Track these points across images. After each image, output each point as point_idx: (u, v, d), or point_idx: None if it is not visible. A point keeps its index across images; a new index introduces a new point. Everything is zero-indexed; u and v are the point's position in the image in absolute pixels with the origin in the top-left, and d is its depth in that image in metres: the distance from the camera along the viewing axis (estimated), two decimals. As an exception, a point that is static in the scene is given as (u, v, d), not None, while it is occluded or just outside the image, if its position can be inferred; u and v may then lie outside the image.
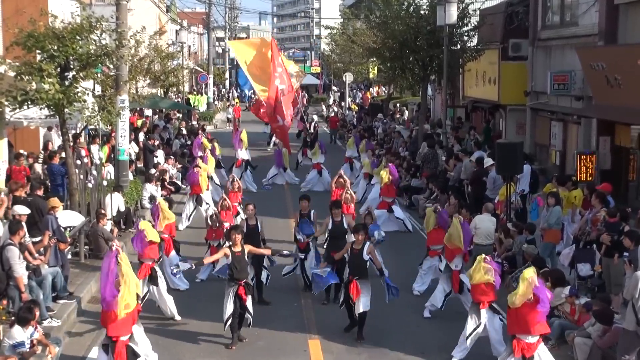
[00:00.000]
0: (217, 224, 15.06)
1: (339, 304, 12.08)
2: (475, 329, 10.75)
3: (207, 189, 19.95)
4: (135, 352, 9.87)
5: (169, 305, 12.64)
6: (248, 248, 11.84)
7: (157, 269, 12.71)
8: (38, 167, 19.97)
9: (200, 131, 30.96)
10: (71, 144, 18.53)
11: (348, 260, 11.99)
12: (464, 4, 27.69)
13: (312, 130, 32.48)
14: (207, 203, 19.32)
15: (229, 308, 11.31)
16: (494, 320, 10.83)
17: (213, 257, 12.56)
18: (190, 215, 19.33)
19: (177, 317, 12.68)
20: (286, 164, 26.36)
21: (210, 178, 21.29)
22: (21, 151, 20.61)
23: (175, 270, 13.05)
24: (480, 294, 10.61)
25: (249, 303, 11.48)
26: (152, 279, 12.42)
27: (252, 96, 36.12)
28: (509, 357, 9.57)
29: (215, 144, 26.11)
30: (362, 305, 11.47)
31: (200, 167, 19.87)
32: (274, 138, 32.55)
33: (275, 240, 15.87)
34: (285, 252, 13.20)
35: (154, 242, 12.57)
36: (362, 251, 11.73)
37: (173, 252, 14.46)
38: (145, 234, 12.46)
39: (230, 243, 11.62)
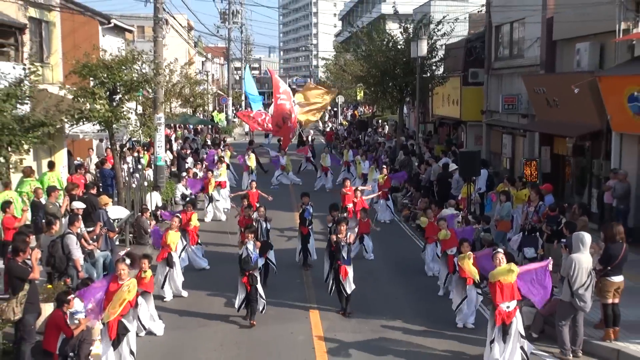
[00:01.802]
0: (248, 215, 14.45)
1: (329, 291, 11.64)
2: (462, 301, 10.81)
3: (214, 190, 19.82)
4: (126, 327, 9.04)
5: (179, 284, 12.54)
6: (258, 244, 11.40)
7: (173, 254, 12.53)
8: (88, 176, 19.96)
9: (221, 142, 30.96)
10: (118, 152, 18.53)
11: (334, 248, 11.53)
12: (432, 40, 27.67)
13: (310, 142, 32.48)
14: (217, 200, 19.58)
15: (241, 294, 11.02)
16: (471, 292, 10.81)
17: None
18: (206, 207, 19.51)
19: (184, 294, 12.53)
20: (289, 168, 26.17)
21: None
22: (78, 159, 20.62)
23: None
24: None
25: (260, 290, 11.12)
26: (169, 262, 12.34)
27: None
28: (492, 326, 9.21)
29: (228, 152, 26.46)
30: (348, 286, 11.27)
31: (211, 173, 19.95)
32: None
33: (283, 228, 15.93)
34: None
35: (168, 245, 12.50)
36: (346, 240, 11.47)
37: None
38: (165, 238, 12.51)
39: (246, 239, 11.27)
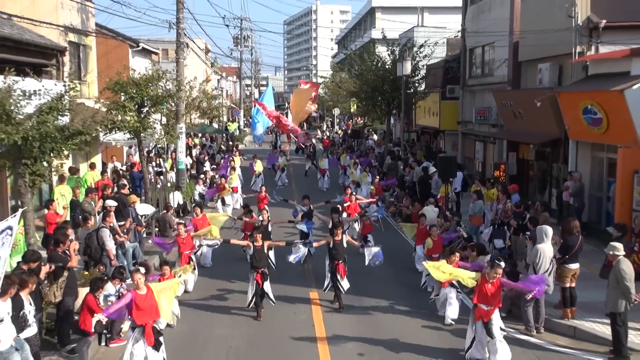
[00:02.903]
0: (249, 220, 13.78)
1: (324, 288, 11.10)
2: (444, 301, 10.24)
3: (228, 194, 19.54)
4: (159, 331, 8.29)
5: (193, 281, 11.80)
6: (267, 243, 10.71)
7: (193, 257, 12.08)
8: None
9: (234, 149, 30.97)
10: (145, 157, 18.52)
11: (332, 248, 10.86)
12: (415, 61, 27.68)
13: (310, 148, 32.41)
14: (228, 204, 19.19)
15: (251, 290, 10.38)
16: (450, 292, 10.21)
17: (238, 241, 11.76)
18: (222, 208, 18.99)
19: (190, 289, 11.64)
20: (282, 165, 26.13)
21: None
22: (114, 165, 20.57)
23: (204, 243, 11.97)
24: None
25: (267, 288, 10.47)
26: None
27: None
28: (471, 323, 8.60)
29: (238, 157, 26.35)
30: (345, 283, 10.83)
31: (225, 180, 19.74)
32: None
33: (284, 227, 15.28)
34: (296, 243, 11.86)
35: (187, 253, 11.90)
36: (342, 241, 10.88)
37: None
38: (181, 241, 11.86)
39: (254, 239, 10.65)
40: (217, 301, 11.36)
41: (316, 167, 27.64)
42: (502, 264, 8.54)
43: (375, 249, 11.36)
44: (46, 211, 12.55)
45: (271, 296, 10.55)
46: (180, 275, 9.97)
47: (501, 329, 8.54)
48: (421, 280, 12.01)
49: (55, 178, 14.32)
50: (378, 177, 21.49)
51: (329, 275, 10.95)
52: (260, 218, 13.30)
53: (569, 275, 9.91)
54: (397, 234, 16.93)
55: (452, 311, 10.06)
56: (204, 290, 11.88)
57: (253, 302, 10.38)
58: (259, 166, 24.52)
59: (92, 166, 17.38)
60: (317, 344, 9.31)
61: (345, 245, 11.01)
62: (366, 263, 11.22)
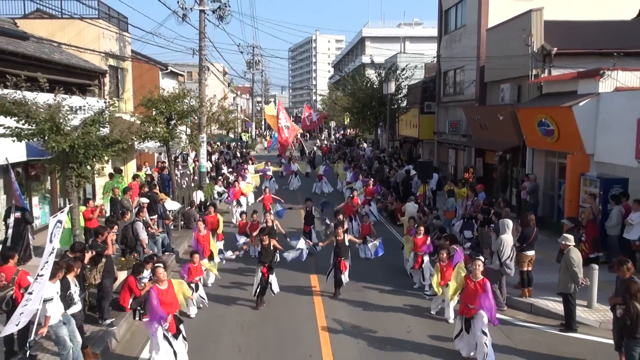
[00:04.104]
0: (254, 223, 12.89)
1: (326, 278, 10.56)
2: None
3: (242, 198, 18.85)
4: (180, 319, 7.65)
5: (213, 278, 11.11)
6: (273, 242, 10.14)
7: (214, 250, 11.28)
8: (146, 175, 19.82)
9: (246, 155, 30.93)
10: (173, 162, 18.45)
11: (336, 247, 10.41)
12: (398, 82, 27.73)
13: (311, 154, 32.41)
14: (240, 205, 18.17)
15: (256, 282, 9.83)
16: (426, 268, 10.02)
17: (246, 240, 11.33)
18: (235, 212, 17.75)
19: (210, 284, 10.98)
20: (302, 170, 25.87)
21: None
22: (146, 169, 20.54)
23: (221, 257, 11.63)
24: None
25: (272, 280, 9.94)
26: (211, 258, 10.98)
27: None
28: (460, 317, 7.76)
29: (251, 163, 26.02)
30: (344, 277, 10.45)
31: (239, 184, 18.89)
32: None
33: (290, 226, 14.82)
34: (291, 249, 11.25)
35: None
36: (344, 240, 10.47)
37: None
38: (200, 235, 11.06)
39: (261, 239, 10.07)
40: (231, 290, 11.11)
41: (314, 169, 27.55)
42: (482, 257, 7.92)
43: (377, 242, 11.06)
44: (84, 208, 12.48)
45: (274, 287, 9.99)
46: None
47: (483, 331, 7.29)
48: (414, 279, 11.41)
49: (97, 180, 14.37)
50: (369, 179, 21.36)
51: (333, 269, 10.52)
52: (264, 219, 12.44)
53: (526, 260, 9.89)
54: (385, 227, 16.90)
55: (451, 312, 9.13)
56: (219, 282, 11.39)
57: (258, 292, 9.82)
58: (270, 171, 24.26)
59: (117, 172, 17.00)
60: (318, 329, 8.77)
61: (347, 244, 10.58)
62: (368, 256, 10.79)
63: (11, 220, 10.96)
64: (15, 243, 10.74)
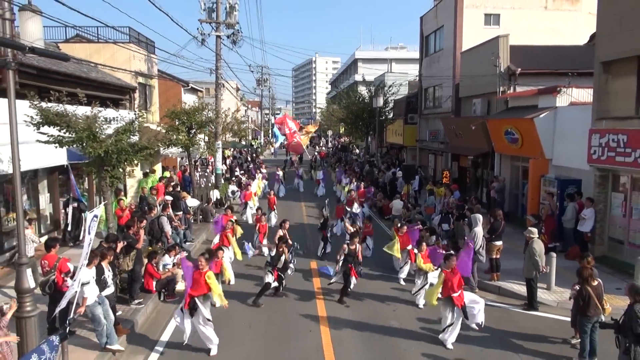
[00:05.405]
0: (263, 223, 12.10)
1: (332, 281, 9.53)
2: (422, 287, 8.77)
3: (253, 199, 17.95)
4: (196, 303, 6.85)
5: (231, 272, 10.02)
6: (286, 252, 9.25)
7: (232, 239, 10.58)
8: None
9: (256, 159, 30.76)
10: (194, 165, 18.36)
11: (347, 254, 9.30)
12: (386, 97, 27.73)
13: (314, 160, 32.27)
14: (250, 207, 16.92)
15: (265, 279, 8.98)
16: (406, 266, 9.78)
17: (267, 243, 10.44)
18: (245, 213, 16.88)
19: (232, 282, 9.94)
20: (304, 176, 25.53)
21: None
22: (170, 171, 20.46)
23: (247, 248, 10.77)
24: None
25: (281, 281, 9.23)
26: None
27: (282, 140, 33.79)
28: (450, 309, 7.14)
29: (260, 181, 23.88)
30: (352, 282, 9.29)
31: (250, 186, 18.35)
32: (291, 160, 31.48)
33: (291, 222, 13.34)
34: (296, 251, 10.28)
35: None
36: (356, 250, 9.25)
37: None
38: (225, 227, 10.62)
39: (278, 246, 9.21)
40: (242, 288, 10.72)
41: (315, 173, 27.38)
42: (454, 258, 7.28)
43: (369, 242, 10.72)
44: (116, 205, 12.38)
45: (281, 288, 9.24)
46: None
47: (473, 301, 7.20)
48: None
49: (128, 180, 14.32)
50: (360, 181, 21.19)
51: (342, 273, 9.37)
52: (268, 218, 11.63)
53: (495, 249, 9.86)
54: (378, 225, 16.67)
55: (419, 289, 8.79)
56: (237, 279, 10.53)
57: (264, 289, 8.99)
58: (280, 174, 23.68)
59: (163, 170, 17.76)
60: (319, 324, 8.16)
61: (360, 256, 9.51)
62: (367, 254, 10.29)
63: (70, 210, 11.77)
64: (76, 227, 11.84)
